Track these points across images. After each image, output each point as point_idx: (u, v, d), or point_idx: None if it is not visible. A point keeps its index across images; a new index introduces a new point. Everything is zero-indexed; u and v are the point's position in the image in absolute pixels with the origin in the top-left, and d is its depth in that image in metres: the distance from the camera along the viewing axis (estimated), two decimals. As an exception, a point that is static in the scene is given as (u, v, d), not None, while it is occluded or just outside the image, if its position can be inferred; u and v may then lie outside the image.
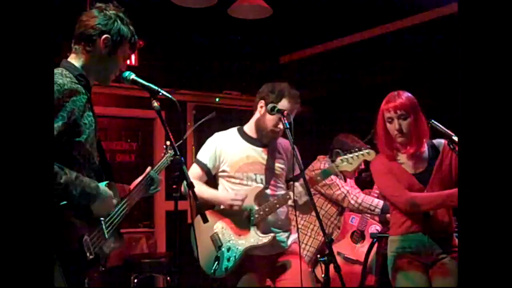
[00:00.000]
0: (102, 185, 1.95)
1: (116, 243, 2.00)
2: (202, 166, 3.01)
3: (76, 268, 1.76)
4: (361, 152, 2.68)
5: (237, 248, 2.85)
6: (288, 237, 3.02)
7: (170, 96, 2.06)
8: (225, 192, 2.96)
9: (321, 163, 3.99)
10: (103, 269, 1.91)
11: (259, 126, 2.98)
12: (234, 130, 3.10)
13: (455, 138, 2.71)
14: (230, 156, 2.98)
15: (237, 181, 2.95)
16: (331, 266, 2.25)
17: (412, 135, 2.67)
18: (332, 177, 3.84)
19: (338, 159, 2.71)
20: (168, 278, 4.71)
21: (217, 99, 6.29)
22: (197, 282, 2.91)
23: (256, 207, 2.87)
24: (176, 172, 2.04)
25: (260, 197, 2.90)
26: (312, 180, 2.84)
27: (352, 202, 3.74)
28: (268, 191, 2.95)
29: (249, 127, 3.06)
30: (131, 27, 2.05)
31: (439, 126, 2.79)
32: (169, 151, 2.48)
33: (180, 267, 2.09)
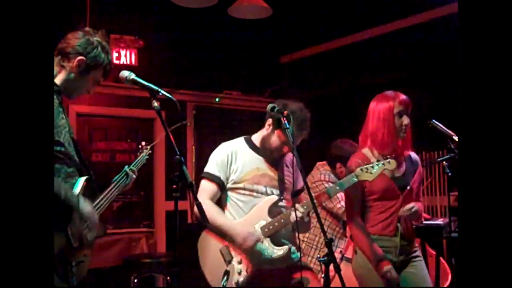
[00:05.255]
0: (79, 195, 2.07)
1: (99, 231, 2.18)
2: (214, 179, 2.85)
3: (63, 256, 1.97)
4: (381, 162, 2.57)
5: (250, 261, 2.74)
6: (297, 249, 2.88)
7: (170, 96, 2.07)
8: (239, 225, 2.79)
9: (321, 172, 3.95)
10: (87, 256, 2.13)
11: (264, 144, 2.87)
12: (241, 140, 2.96)
13: (455, 138, 2.73)
14: (240, 166, 2.84)
15: (247, 192, 2.82)
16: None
17: (409, 133, 2.71)
18: None
19: (358, 169, 2.59)
20: (168, 278, 4.71)
21: (217, 99, 6.28)
22: (197, 282, 2.89)
23: (270, 219, 2.76)
24: (176, 172, 2.04)
25: (274, 209, 2.79)
26: (321, 196, 2.71)
27: None
28: (282, 203, 2.83)
29: (257, 139, 2.93)
30: (109, 56, 2.22)
31: (439, 126, 2.81)
32: (145, 150, 2.70)
33: (180, 267, 2.09)
